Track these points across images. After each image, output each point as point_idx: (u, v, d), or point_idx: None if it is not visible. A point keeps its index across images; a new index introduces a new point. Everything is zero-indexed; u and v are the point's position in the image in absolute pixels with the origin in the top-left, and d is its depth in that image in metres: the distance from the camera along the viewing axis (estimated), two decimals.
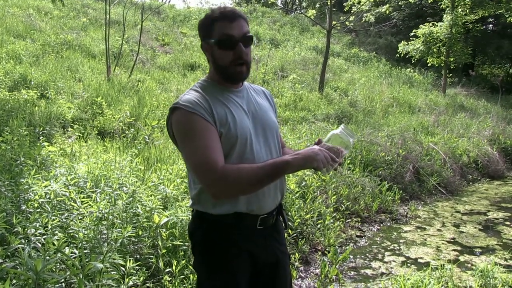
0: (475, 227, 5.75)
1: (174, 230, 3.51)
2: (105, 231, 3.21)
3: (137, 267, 3.08)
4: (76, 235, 3.10)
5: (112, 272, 2.80)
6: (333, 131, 1.78)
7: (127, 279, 2.89)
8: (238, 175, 1.66)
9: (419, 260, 4.64)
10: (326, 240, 4.69)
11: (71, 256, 2.78)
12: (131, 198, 3.70)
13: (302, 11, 26.67)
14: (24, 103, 6.25)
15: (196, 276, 2.26)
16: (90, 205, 3.46)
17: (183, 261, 3.27)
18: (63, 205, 3.43)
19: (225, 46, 1.75)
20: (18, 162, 3.95)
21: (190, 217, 1.99)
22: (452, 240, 5.25)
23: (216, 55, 1.79)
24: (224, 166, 1.66)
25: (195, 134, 1.68)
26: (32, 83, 7.38)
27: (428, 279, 3.62)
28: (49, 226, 3.05)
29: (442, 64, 17.42)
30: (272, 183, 1.81)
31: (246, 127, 1.78)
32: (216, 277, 1.80)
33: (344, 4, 13.78)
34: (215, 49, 1.77)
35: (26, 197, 3.35)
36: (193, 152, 1.68)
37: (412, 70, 19.20)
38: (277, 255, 1.91)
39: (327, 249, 4.54)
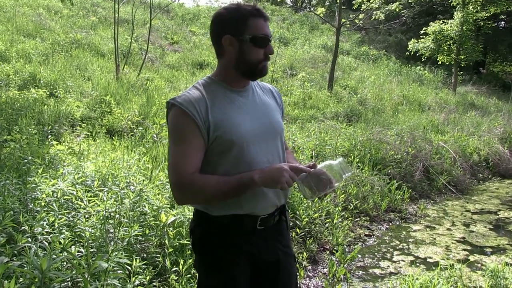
0: (486, 227, 5.68)
1: (181, 229, 3.50)
2: (111, 230, 3.21)
3: (143, 266, 3.07)
4: (83, 234, 3.10)
5: (119, 271, 2.79)
6: (331, 160, 1.79)
7: (134, 278, 2.89)
8: (203, 185, 1.68)
9: (428, 260, 4.60)
10: (334, 239, 4.65)
11: (77, 255, 2.78)
12: (138, 197, 3.70)
13: (312, 9, 26.56)
14: (33, 102, 6.29)
15: None
16: (97, 204, 3.46)
17: (190, 260, 3.25)
18: (70, 204, 3.44)
19: (260, 44, 1.75)
20: (26, 160, 3.98)
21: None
22: (462, 240, 5.20)
23: (246, 51, 1.75)
24: (193, 174, 1.68)
25: (180, 137, 1.71)
26: (42, 82, 7.45)
27: (437, 279, 3.58)
28: (56, 225, 3.05)
29: (453, 62, 17.27)
30: None
31: (244, 131, 1.75)
32: (214, 276, 1.80)
33: (354, 2, 13.73)
34: (247, 46, 1.74)
35: (33, 196, 3.35)
36: (172, 154, 1.73)
37: (422, 68, 19.06)
38: (278, 255, 1.89)
39: (335, 248, 4.50)
